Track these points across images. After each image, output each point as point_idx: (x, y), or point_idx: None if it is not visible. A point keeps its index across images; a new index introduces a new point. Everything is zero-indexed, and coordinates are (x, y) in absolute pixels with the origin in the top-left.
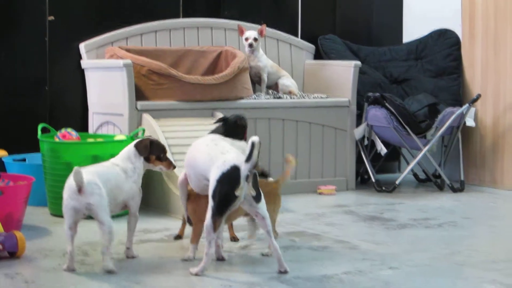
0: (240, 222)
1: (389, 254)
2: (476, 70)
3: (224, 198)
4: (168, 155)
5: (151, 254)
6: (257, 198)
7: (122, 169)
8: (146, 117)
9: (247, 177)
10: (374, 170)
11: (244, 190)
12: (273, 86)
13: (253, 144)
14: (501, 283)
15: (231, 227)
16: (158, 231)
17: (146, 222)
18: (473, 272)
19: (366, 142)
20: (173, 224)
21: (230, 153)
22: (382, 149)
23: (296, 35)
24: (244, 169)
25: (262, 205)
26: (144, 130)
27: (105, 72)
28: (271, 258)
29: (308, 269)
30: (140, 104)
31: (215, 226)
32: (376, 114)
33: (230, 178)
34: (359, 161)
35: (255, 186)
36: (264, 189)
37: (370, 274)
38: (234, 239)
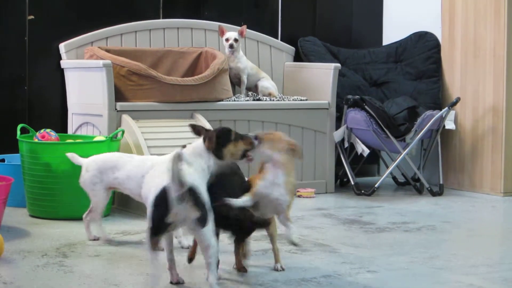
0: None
1: (368, 257)
2: (455, 73)
3: (157, 223)
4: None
5: (130, 256)
6: (201, 221)
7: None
8: (126, 118)
9: (179, 198)
10: (353, 173)
11: (181, 213)
12: (253, 88)
13: (172, 159)
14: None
15: (239, 254)
16: (137, 233)
17: (125, 224)
18: (452, 277)
19: (345, 144)
20: None
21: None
22: (364, 150)
23: (276, 37)
24: (172, 190)
25: (208, 230)
26: (123, 131)
27: (85, 72)
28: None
29: (287, 273)
30: (120, 104)
31: (153, 246)
32: (356, 117)
33: (162, 201)
34: (338, 164)
35: (199, 206)
36: None
37: (349, 278)
38: (240, 270)
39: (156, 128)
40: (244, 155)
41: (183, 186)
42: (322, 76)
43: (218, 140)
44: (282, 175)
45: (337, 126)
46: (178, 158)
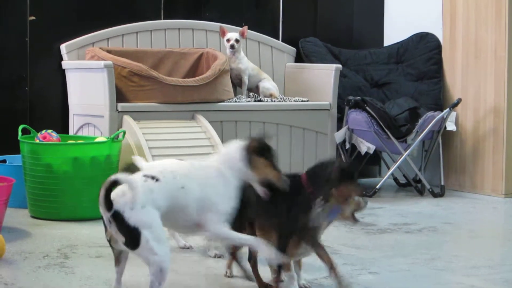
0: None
1: (369, 259)
2: (456, 74)
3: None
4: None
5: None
6: (129, 245)
7: None
8: (127, 118)
9: (107, 222)
10: None
11: (113, 235)
12: (254, 89)
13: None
14: None
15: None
16: None
17: None
18: (453, 278)
19: (347, 146)
20: None
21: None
22: (369, 148)
23: (277, 38)
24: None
25: (142, 250)
26: (124, 132)
27: (86, 73)
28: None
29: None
30: (121, 105)
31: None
32: (357, 118)
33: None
34: None
35: (123, 231)
36: None
37: (351, 279)
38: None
39: (157, 129)
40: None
41: (109, 210)
42: (323, 77)
43: (256, 150)
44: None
45: (338, 127)
46: (109, 182)
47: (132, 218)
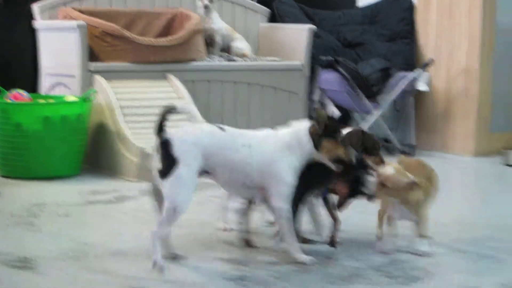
0: None
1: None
2: (429, 35)
3: None
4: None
5: (100, 216)
6: (161, 173)
7: None
8: (99, 78)
9: (155, 149)
10: None
11: (154, 162)
12: (227, 49)
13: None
14: (450, 247)
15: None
16: (107, 193)
17: (96, 184)
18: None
19: (317, 105)
20: (122, 186)
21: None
22: (333, 113)
23: None
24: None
25: (169, 182)
26: (96, 92)
27: (58, 33)
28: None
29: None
30: (93, 65)
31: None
32: (329, 78)
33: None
34: None
35: (165, 159)
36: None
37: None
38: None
39: (129, 89)
40: (340, 162)
41: (160, 137)
42: (297, 38)
43: (326, 128)
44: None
45: (310, 87)
46: (167, 110)
47: (178, 150)
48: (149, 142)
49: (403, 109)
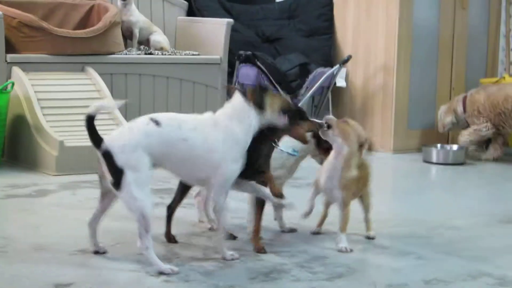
0: None
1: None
2: (347, 31)
3: None
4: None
5: (19, 209)
6: (114, 186)
7: None
8: (16, 70)
9: (101, 160)
10: None
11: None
12: (145, 42)
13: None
14: (372, 244)
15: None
16: (26, 186)
17: (14, 177)
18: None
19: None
20: (42, 179)
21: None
22: None
23: None
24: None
25: (123, 192)
26: (13, 83)
27: None
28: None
29: (177, 226)
30: (10, 56)
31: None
32: (247, 73)
33: None
34: None
35: (111, 171)
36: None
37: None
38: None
39: (47, 81)
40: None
41: (98, 147)
42: (215, 31)
43: (259, 91)
44: (339, 168)
45: (229, 82)
46: (89, 118)
47: (120, 159)
48: (68, 135)
49: (321, 104)
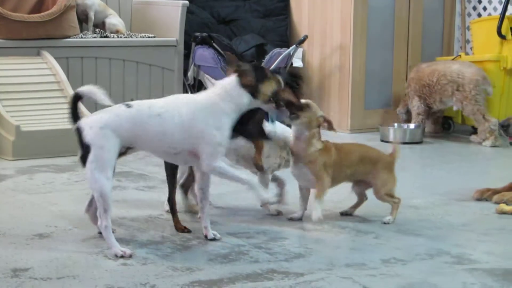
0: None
1: (216, 194)
2: (303, 12)
3: None
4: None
5: None
6: (81, 160)
7: None
8: None
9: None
10: None
11: None
12: (100, 25)
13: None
14: (329, 224)
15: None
16: None
17: None
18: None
19: (191, 82)
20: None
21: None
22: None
23: None
24: None
25: (87, 170)
26: None
27: None
28: None
29: (135, 210)
30: None
31: None
32: (204, 54)
33: None
34: None
35: (80, 146)
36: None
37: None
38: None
39: (2, 65)
40: (274, 102)
41: (74, 123)
42: (170, 14)
43: (255, 75)
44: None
45: (185, 63)
46: (74, 97)
47: (88, 136)
48: (24, 119)
49: None
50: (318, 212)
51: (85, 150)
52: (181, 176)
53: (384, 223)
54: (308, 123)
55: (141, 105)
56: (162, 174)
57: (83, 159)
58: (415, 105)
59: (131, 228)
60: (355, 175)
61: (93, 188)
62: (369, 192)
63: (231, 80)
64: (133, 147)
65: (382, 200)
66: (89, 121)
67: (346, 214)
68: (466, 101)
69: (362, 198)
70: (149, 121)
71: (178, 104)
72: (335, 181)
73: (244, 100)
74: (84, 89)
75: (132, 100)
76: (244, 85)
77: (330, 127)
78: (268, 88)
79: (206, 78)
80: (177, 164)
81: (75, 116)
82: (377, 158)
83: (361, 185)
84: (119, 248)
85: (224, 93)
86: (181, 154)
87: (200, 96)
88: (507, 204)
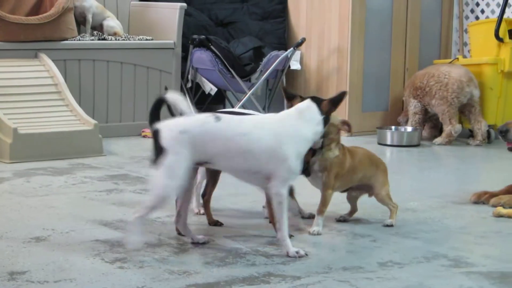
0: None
1: (212, 197)
2: (301, 14)
3: None
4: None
5: None
6: (152, 161)
7: None
8: None
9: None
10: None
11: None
12: (98, 27)
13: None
14: (326, 227)
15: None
16: None
17: None
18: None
19: (189, 84)
20: None
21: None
22: (212, 89)
23: None
24: None
25: (157, 172)
26: None
27: None
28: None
29: (132, 212)
30: None
31: None
32: (201, 57)
33: None
34: None
35: (155, 150)
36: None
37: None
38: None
39: (0, 68)
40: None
41: (151, 127)
42: (168, 16)
43: (332, 106)
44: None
45: (183, 66)
46: (157, 101)
47: (165, 139)
48: (22, 122)
49: (276, 88)
50: (319, 228)
51: (159, 153)
52: (200, 182)
53: (387, 225)
54: (327, 131)
55: (231, 121)
56: None
57: (155, 161)
58: (412, 105)
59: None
60: (363, 179)
61: (155, 194)
62: (366, 196)
63: (311, 106)
64: (205, 163)
65: (383, 201)
66: (170, 124)
67: (344, 220)
68: (443, 100)
69: (355, 206)
70: (234, 139)
71: (265, 126)
72: (345, 186)
73: (320, 129)
74: (170, 96)
75: (166, 88)
76: (324, 112)
77: (349, 130)
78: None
79: (204, 81)
80: (249, 183)
81: (154, 119)
82: (378, 161)
83: (357, 191)
84: (136, 238)
85: (308, 120)
86: (259, 175)
87: (287, 121)
88: (504, 207)
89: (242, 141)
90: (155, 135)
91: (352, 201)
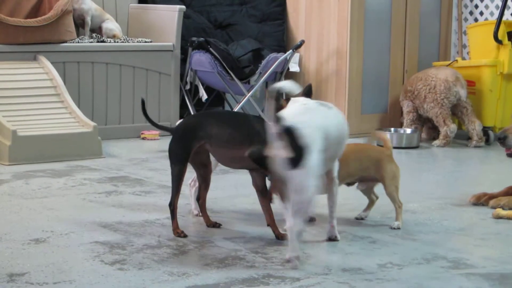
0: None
1: (212, 198)
2: (300, 16)
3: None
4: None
5: None
6: (292, 162)
7: None
8: None
9: (276, 136)
10: None
11: (275, 150)
12: (97, 30)
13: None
14: (324, 228)
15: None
16: None
17: None
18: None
19: (187, 86)
20: None
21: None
22: (203, 95)
23: None
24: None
25: (299, 174)
26: None
27: None
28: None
29: (131, 214)
30: None
31: None
32: (200, 59)
33: None
34: (183, 106)
35: (292, 147)
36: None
37: (189, 216)
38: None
39: None
40: None
41: (281, 125)
42: (167, 18)
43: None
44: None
45: (182, 68)
46: (276, 94)
47: (306, 136)
48: (21, 124)
49: None
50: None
51: (299, 152)
52: (193, 185)
53: (393, 228)
54: None
55: (331, 105)
56: (158, 179)
57: (294, 162)
58: (405, 105)
59: (127, 232)
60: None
61: (303, 190)
62: (365, 198)
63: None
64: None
65: (391, 195)
66: (304, 120)
67: (360, 218)
68: (433, 103)
69: (371, 198)
70: (343, 125)
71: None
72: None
73: None
74: (281, 84)
75: (142, 100)
76: None
77: None
78: None
79: (201, 85)
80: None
81: (279, 115)
82: (379, 151)
83: (364, 184)
84: (295, 253)
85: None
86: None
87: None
88: (503, 209)
89: (340, 127)
90: (290, 132)
91: (365, 194)
